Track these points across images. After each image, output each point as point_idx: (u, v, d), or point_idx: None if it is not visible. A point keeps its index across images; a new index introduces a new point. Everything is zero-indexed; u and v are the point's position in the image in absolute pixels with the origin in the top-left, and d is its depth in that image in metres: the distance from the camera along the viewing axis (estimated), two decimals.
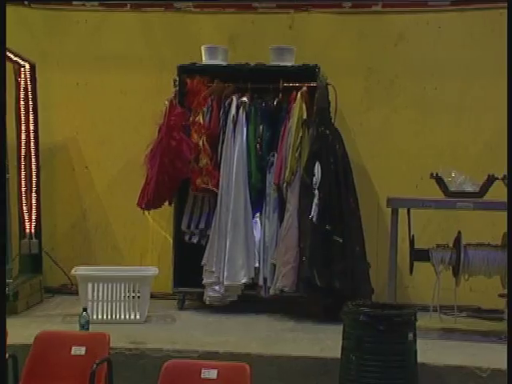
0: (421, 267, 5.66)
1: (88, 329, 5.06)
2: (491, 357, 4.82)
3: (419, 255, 5.60)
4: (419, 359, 4.43)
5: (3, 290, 4.31)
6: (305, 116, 6.10)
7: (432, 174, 5.60)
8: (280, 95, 6.22)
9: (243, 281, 6.07)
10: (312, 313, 5.97)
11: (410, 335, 4.34)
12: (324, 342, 5.19)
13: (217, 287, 6.08)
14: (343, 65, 6.57)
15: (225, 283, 6.04)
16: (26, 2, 7.01)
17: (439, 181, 5.58)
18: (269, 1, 6.89)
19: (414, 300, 6.16)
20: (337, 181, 5.98)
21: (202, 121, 6.21)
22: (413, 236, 5.61)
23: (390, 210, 5.57)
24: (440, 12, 6.60)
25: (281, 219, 6.12)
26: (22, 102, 6.54)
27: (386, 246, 5.63)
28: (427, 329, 5.38)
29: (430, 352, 4.86)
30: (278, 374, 4.88)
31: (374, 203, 6.45)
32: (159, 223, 6.75)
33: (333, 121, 6.18)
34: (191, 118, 6.21)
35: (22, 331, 4.90)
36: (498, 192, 5.44)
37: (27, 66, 6.52)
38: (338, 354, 4.47)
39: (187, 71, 6.28)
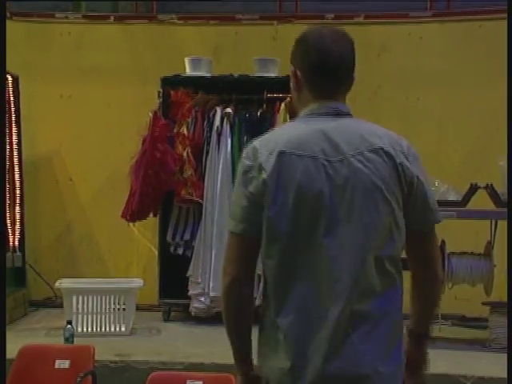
0: (405, 275, 5.65)
1: (73, 342, 5.03)
2: (476, 365, 4.84)
3: (403, 264, 5.59)
4: None
5: (3, 290, 4.27)
6: None
7: None
8: (264, 106, 6.24)
9: None
10: None
11: None
12: None
13: (202, 298, 6.07)
14: None
15: (210, 294, 6.03)
16: (8, 15, 6.99)
17: None
18: (252, 12, 6.93)
19: None
20: None
21: (186, 132, 6.21)
22: None
23: None
24: (421, 23, 6.66)
25: None
26: (4, 114, 6.51)
27: None
28: None
29: None
30: None
31: None
32: (144, 235, 6.74)
33: None
34: (175, 130, 6.21)
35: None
36: (481, 201, 5.47)
37: (10, 78, 6.50)
38: None
39: (171, 83, 6.29)
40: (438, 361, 4.99)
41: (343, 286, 2.25)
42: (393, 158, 2.34)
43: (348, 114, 2.51)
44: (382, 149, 2.36)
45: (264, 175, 2.28)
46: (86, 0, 7.56)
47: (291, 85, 2.52)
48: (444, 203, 5.49)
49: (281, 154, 2.29)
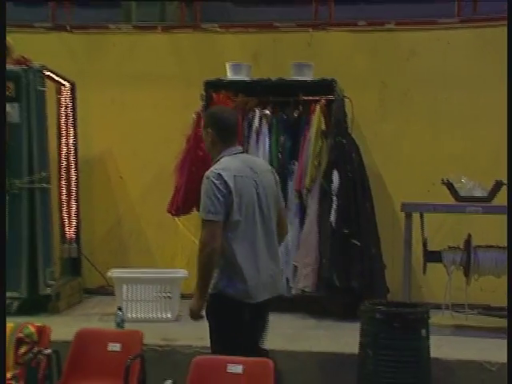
0: (433, 268, 5.61)
1: (123, 327, 5.07)
2: (500, 352, 4.74)
3: (432, 256, 5.54)
4: (432, 354, 4.39)
5: (3, 290, 4.27)
6: (323, 127, 6.07)
7: (443, 180, 5.55)
8: (300, 108, 6.20)
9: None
10: (331, 311, 5.93)
11: (424, 332, 4.29)
12: (343, 338, 5.15)
13: None
14: (359, 79, 6.54)
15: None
16: (68, 28, 7.09)
17: (450, 186, 5.52)
18: (289, 20, 6.90)
19: (427, 299, 6.10)
20: (353, 187, 5.95)
21: None
22: (426, 238, 5.56)
23: (404, 214, 5.53)
24: (449, 29, 6.57)
25: (301, 223, 6.09)
26: (62, 118, 6.59)
27: (400, 248, 5.58)
28: (440, 326, 5.33)
29: (442, 347, 4.81)
30: (300, 368, 4.85)
31: (389, 208, 6.40)
32: (188, 228, 6.75)
33: (349, 131, 6.16)
34: None
35: (63, 329, 4.91)
36: (506, 197, 5.37)
37: (67, 85, 6.57)
38: (355, 349, 4.44)
39: (213, 86, 6.29)
40: (465, 348, 4.94)
41: (266, 240, 3.89)
42: (274, 174, 4.09)
43: (243, 152, 4.07)
44: (270, 169, 4.12)
45: (229, 188, 3.74)
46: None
47: (207, 139, 3.98)
48: (471, 199, 5.43)
49: (235, 176, 3.79)
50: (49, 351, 4.33)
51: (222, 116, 3.97)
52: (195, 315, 3.86)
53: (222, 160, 3.88)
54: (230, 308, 3.82)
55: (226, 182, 3.73)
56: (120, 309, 5.18)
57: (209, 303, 3.85)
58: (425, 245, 5.56)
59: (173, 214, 6.23)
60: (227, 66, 6.37)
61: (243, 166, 3.87)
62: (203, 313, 3.85)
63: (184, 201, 6.09)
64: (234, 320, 3.84)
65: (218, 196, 3.71)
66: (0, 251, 4.38)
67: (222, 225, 3.73)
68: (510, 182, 5.09)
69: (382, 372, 4.21)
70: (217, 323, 3.87)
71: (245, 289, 3.79)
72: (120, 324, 5.09)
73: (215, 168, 3.80)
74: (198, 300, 3.82)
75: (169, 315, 5.81)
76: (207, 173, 3.81)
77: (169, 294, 5.83)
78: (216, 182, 3.73)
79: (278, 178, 4.11)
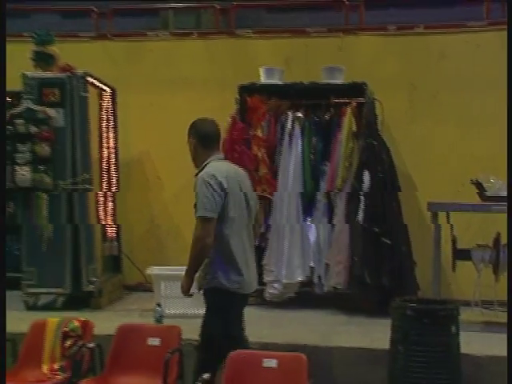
0: (463, 265, 5.57)
1: (162, 322, 5.13)
2: None
3: (461, 254, 5.51)
4: (462, 350, 4.38)
5: (3, 290, 4.34)
6: (354, 129, 6.08)
7: (472, 180, 5.51)
8: (331, 110, 6.22)
9: (299, 279, 6.07)
10: (362, 308, 5.93)
11: (453, 328, 4.28)
12: (374, 334, 5.15)
13: (276, 285, 6.09)
14: (389, 82, 6.52)
15: (283, 281, 6.05)
16: (109, 36, 7.20)
17: (478, 186, 5.49)
18: (320, 26, 6.91)
19: (456, 296, 6.04)
20: (384, 187, 5.94)
21: (261, 134, 6.25)
22: (455, 237, 5.53)
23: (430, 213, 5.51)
24: (478, 32, 6.52)
25: (330, 223, 6.10)
26: (103, 122, 6.68)
27: (430, 246, 5.56)
28: (469, 322, 5.28)
29: (472, 343, 4.78)
30: (333, 363, 4.87)
31: (418, 208, 6.36)
32: None
33: (380, 133, 6.15)
34: (251, 132, 6.25)
35: (105, 324, 4.99)
36: None
37: (108, 90, 6.66)
38: (386, 345, 4.44)
39: (247, 90, 6.33)
40: (494, 344, 4.90)
41: (249, 236, 4.23)
42: (248, 178, 4.37)
43: (225, 158, 4.42)
44: (246, 174, 4.36)
45: (224, 187, 4.00)
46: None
47: (190, 149, 4.25)
48: (498, 198, 5.38)
49: (226, 176, 4.05)
50: (92, 345, 4.42)
51: (202, 125, 4.23)
52: (185, 292, 4.20)
53: (211, 164, 4.11)
54: (227, 299, 4.11)
55: (220, 183, 3.99)
56: (159, 305, 5.24)
57: (207, 297, 4.20)
58: (454, 243, 5.53)
59: None
60: (261, 70, 6.41)
61: (230, 168, 4.20)
62: (193, 291, 4.21)
63: None
64: (230, 309, 4.15)
65: (214, 195, 3.97)
66: (0, 251, 4.44)
67: (219, 222, 4.00)
68: (510, 182, 5.04)
69: (413, 367, 4.21)
70: (214, 314, 4.16)
71: (240, 281, 4.09)
72: (159, 319, 5.15)
73: (208, 171, 4.05)
74: (188, 280, 4.15)
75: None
76: (200, 175, 4.06)
77: None
78: (211, 182, 3.98)
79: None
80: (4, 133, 4.99)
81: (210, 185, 3.98)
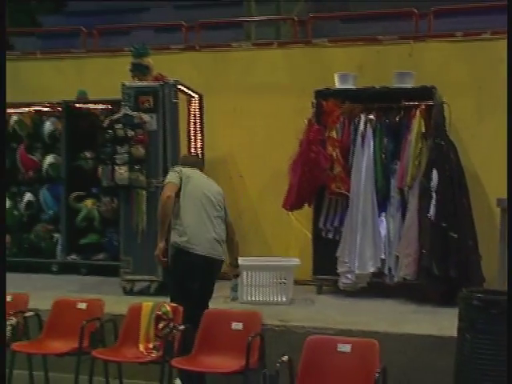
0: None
1: (236, 291, 5.33)
2: None
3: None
4: None
5: (3, 290, 4.39)
6: (423, 130, 5.99)
7: None
8: (402, 113, 6.14)
9: (371, 270, 6.04)
10: (430, 298, 5.85)
11: None
12: (441, 322, 5.07)
13: (349, 275, 6.08)
14: (456, 85, 6.40)
15: (356, 272, 6.03)
16: (197, 47, 7.34)
17: None
18: (392, 33, 6.83)
19: None
20: (451, 184, 5.84)
21: (335, 136, 6.24)
22: None
23: (499, 209, 5.38)
24: None
25: (403, 218, 6.03)
26: (191, 126, 6.82)
27: (496, 241, 5.43)
28: None
29: None
30: (403, 349, 4.82)
31: (485, 204, 6.23)
32: (301, 222, 6.82)
33: (448, 133, 6.04)
34: (326, 134, 6.24)
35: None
36: None
37: (196, 96, 6.79)
38: (454, 333, 4.36)
39: (323, 95, 6.33)
40: None
41: (208, 216, 5.03)
42: (223, 195, 5.31)
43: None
44: (221, 192, 5.27)
45: (181, 173, 5.02)
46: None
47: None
48: None
49: (186, 173, 5.06)
50: (182, 327, 4.53)
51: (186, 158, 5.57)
52: (156, 257, 4.88)
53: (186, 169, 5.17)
54: (180, 256, 4.88)
55: (181, 171, 5.04)
56: (236, 276, 5.35)
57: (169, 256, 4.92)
58: None
59: (287, 209, 6.33)
60: (335, 76, 6.40)
61: (197, 175, 5.17)
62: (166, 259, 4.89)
63: (297, 197, 6.17)
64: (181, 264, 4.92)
65: (175, 174, 5.00)
66: (0, 251, 4.50)
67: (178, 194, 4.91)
68: (510, 182, 4.86)
69: (479, 354, 4.12)
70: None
71: (186, 240, 4.84)
72: (234, 288, 5.32)
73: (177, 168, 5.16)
74: (158, 243, 4.87)
75: (284, 299, 5.90)
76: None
77: (283, 280, 5.91)
78: (176, 169, 5.09)
79: (225, 200, 5.25)
80: (4, 133, 5.02)
81: (173, 169, 5.12)
